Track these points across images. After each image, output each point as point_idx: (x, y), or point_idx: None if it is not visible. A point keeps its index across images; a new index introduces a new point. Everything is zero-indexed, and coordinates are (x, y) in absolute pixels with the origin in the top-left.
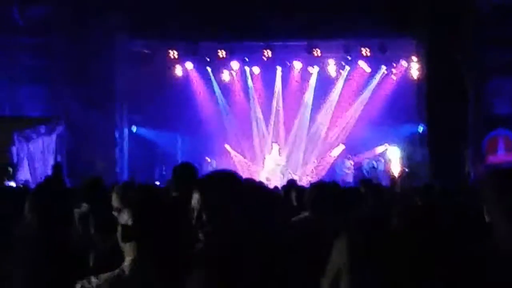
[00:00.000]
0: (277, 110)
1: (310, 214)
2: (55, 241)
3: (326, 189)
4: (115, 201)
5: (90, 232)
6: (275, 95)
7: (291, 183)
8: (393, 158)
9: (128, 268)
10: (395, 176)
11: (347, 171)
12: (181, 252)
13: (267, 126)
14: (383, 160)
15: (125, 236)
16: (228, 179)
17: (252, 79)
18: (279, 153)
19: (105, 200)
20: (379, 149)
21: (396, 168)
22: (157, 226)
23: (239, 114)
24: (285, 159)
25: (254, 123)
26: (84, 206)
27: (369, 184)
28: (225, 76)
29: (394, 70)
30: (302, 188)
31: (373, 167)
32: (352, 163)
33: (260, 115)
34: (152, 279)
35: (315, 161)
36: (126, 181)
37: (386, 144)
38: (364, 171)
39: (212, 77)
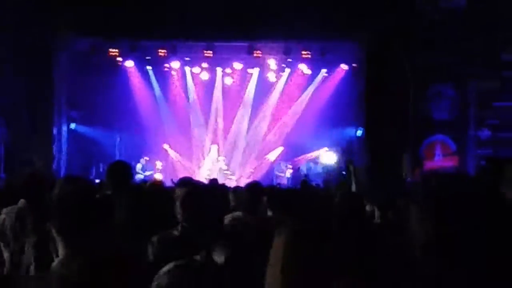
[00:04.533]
0: (217, 111)
1: (243, 213)
2: None
3: (259, 190)
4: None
5: (28, 228)
6: (215, 96)
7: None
8: (328, 162)
9: (59, 263)
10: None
11: (282, 174)
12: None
13: (206, 126)
14: (320, 163)
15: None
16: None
17: (192, 79)
18: (218, 154)
19: (43, 196)
20: (317, 153)
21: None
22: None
23: (178, 114)
24: (224, 161)
25: (193, 124)
26: (22, 202)
27: (307, 186)
28: (165, 75)
29: (334, 73)
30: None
31: (310, 169)
32: (290, 166)
33: (199, 115)
34: (76, 273)
35: (254, 162)
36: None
37: (326, 148)
38: (302, 174)
39: (152, 76)
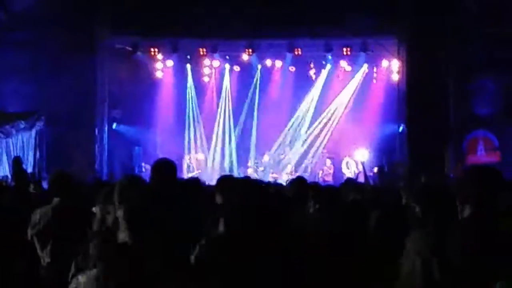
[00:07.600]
0: (256, 109)
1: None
2: None
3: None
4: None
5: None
6: (251, 92)
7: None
8: (361, 159)
9: None
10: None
11: (327, 170)
12: None
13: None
14: (357, 160)
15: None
16: None
17: (231, 77)
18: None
19: (76, 194)
20: (356, 150)
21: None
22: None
23: (211, 113)
24: (269, 159)
25: (225, 123)
26: (55, 201)
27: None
28: (205, 74)
29: (375, 70)
30: None
31: (348, 167)
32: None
33: (230, 114)
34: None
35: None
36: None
37: (365, 146)
38: (342, 170)
39: (190, 75)
